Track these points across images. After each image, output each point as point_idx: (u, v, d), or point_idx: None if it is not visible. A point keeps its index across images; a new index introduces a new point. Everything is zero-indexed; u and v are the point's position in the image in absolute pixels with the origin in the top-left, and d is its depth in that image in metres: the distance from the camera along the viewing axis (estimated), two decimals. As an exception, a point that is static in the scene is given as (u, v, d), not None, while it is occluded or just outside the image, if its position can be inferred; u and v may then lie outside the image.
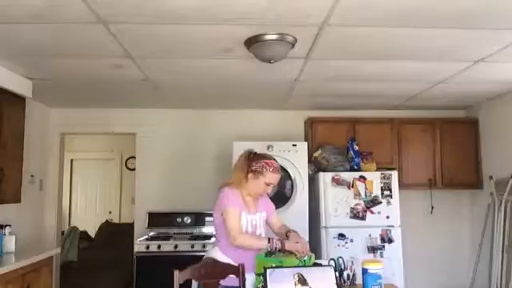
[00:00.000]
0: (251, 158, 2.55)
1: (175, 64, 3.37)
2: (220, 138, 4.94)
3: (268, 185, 2.52)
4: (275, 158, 2.64)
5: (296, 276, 1.99)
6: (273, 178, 2.52)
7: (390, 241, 4.20)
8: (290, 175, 4.36)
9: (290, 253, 2.32)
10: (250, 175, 2.51)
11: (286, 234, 2.53)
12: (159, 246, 4.21)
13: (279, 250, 2.32)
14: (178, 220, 4.76)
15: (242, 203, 2.51)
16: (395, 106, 4.94)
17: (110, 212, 7.40)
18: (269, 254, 2.30)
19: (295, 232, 2.53)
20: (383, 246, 4.18)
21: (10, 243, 3.56)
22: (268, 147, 4.28)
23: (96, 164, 7.50)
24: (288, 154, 4.35)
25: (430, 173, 4.82)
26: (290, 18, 2.45)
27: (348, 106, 4.92)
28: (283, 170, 4.35)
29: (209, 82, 3.93)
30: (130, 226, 5.20)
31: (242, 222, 2.48)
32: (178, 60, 3.26)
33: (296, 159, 4.36)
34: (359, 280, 2.25)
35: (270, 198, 2.78)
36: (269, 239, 2.36)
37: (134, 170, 5.56)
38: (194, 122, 5.08)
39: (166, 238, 4.44)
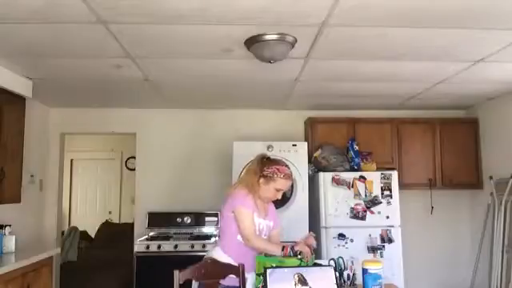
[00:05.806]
0: (264, 162, 2.56)
1: (175, 64, 3.37)
2: (220, 138, 4.94)
3: (278, 190, 2.54)
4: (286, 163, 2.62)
5: (296, 276, 1.99)
6: (283, 184, 2.53)
7: (390, 241, 4.20)
8: (289, 175, 4.36)
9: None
10: (262, 180, 2.52)
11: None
12: (159, 246, 4.21)
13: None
14: (178, 220, 4.76)
15: (254, 205, 2.52)
16: (395, 106, 4.94)
17: (109, 212, 7.40)
18: (269, 254, 2.30)
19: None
20: (383, 246, 4.18)
21: (10, 243, 3.57)
22: (268, 147, 4.28)
23: (96, 164, 7.49)
24: (288, 154, 4.34)
25: (429, 173, 4.82)
26: (289, 17, 2.45)
27: (348, 106, 4.91)
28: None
29: (209, 82, 3.93)
30: (130, 226, 5.20)
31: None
32: (178, 60, 3.26)
33: (296, 159, 4.35)
34: (359, 280, 2.25)
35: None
36: (283, 247, 2.33)
37: (134, 170, 5.55)
38: (194, 122, 5.08)
39: (166, 238, 4.43)
